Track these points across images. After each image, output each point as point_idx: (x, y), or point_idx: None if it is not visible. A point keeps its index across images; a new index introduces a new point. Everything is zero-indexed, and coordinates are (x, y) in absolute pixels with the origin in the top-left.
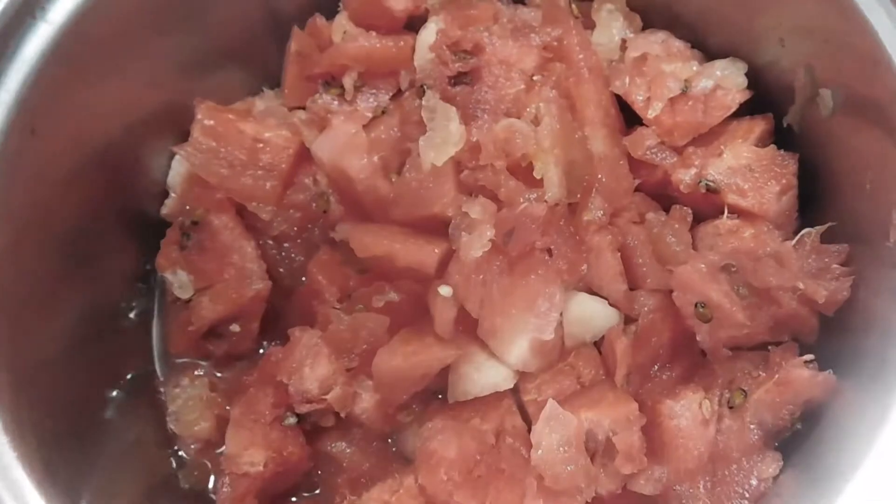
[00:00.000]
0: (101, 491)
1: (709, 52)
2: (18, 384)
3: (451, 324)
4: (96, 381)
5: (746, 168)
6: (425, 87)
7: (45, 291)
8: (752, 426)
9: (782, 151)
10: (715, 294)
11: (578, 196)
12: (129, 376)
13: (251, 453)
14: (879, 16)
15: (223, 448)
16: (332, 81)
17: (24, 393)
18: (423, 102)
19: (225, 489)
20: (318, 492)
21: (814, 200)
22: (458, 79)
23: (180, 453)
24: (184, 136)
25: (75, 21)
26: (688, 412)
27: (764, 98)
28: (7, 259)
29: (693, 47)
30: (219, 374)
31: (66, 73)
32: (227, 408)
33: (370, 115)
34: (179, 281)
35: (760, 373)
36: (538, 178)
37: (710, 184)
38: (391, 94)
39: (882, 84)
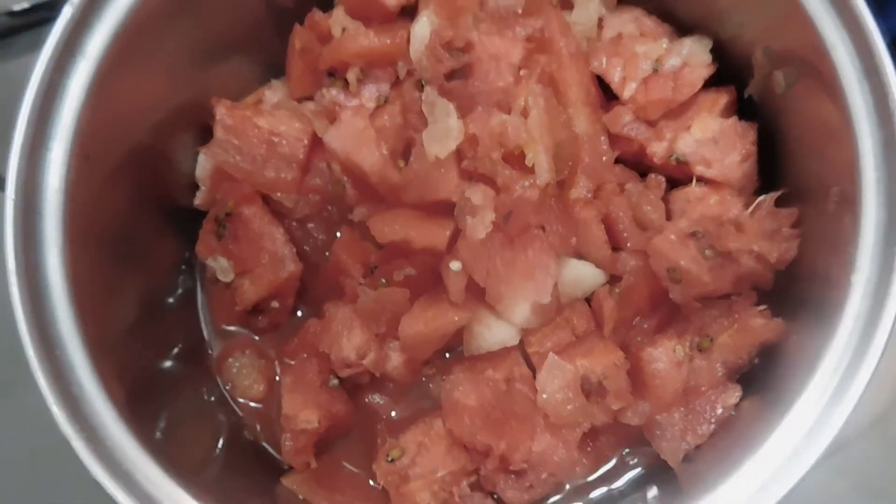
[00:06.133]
0: (176, 437)
1: (679, 24)
2: (99, 355)
3: (462, 292)
4: (154, 351)
5: (711, 140)
6: (424, 82)
7: (107, 281)
8: (717, 365)
9: (743, 122)
10: (684, 261)
11: (566, 173)
12: (179, 347)
13: (306, 413)
14: (816, 5)
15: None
16: (335, 73)
17: (105, 362)
18: (423, 97)
19: (287, 444)
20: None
21: (773, 164)
22: (452, 74)
23: (240, 413)
24: (203, 129)
25: (108, 52)
26: (664, 356)
27: (728, 69)
28: (78, 259)
29: (665, 19)
30: (256, 338)
31: (103, 97)
32: (277, 364)
33: (373, 104)
34: (220, 267)
35: (724, 320)
36: (530, 165)
37: (680, 157)
38: (391, 83)
39: (826, 66)
